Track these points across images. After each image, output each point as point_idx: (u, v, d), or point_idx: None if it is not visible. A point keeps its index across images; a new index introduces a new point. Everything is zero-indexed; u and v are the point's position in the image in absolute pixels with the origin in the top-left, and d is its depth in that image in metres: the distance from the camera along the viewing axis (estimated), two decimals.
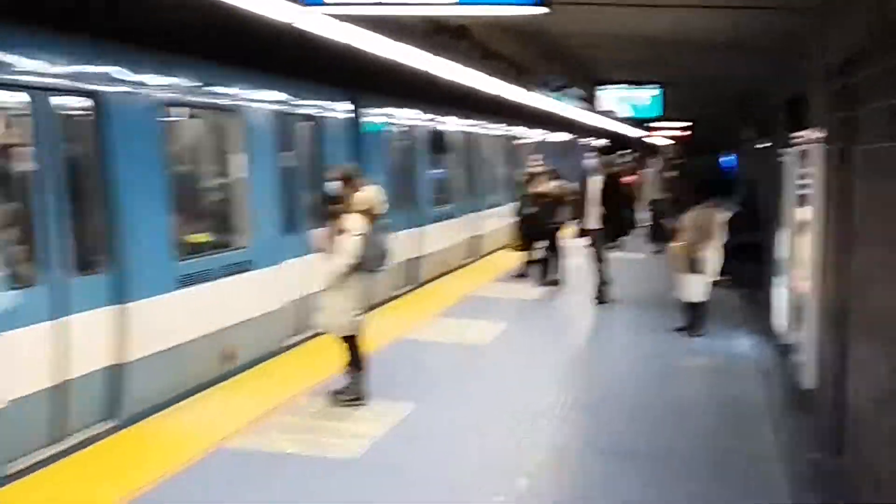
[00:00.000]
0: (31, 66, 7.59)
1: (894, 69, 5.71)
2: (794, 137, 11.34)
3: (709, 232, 12.23)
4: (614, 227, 22.28)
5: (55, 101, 7.72)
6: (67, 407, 7.66)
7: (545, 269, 16.25)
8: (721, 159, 32.54)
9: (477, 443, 7.86)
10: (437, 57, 11.33)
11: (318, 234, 9.04)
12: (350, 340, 8.73)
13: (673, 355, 11.34)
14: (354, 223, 8.53)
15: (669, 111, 21.22)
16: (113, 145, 8.22)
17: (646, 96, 18.71)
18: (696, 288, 12.26)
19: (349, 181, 8.81)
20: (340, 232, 8.57)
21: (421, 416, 8.42)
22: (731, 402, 9.52)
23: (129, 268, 8.34)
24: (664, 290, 14.13)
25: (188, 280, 9.31)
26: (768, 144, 17.30)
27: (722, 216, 12.61)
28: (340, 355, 8.75)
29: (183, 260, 9.37)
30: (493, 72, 13.92)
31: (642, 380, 10.33)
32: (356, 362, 8.75)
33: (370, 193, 8.75)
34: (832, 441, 7.67)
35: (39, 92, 7.54)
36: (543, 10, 6.76)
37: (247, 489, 6.66)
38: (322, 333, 9.31)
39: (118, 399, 8.22)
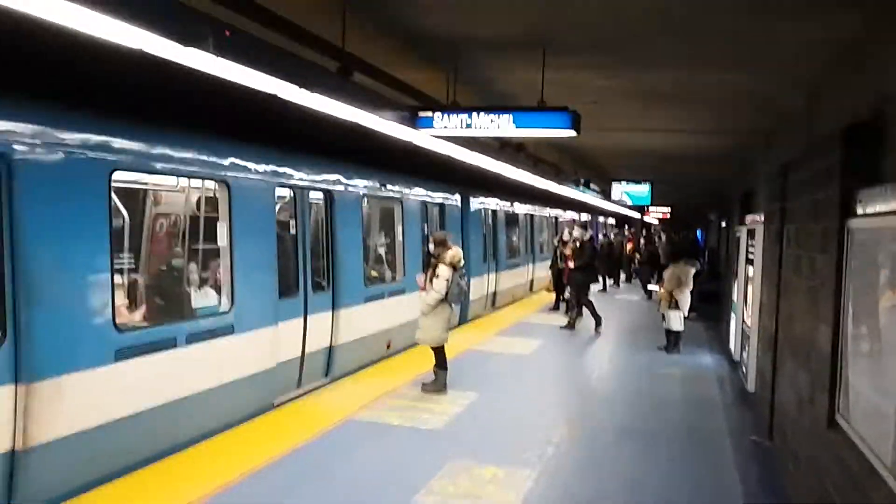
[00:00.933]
0: (295, 175, 8.55)
1: (812, 177, 5.79)
2: (744, 219, 11.30)
3: (683, 281, 12.27)
4: (613, 277, 22.49)
5: (308, 193, 8.85)
6: (304, 369, 8.60)
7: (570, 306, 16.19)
8: (693, 233, 32.21)
9: (519, 420, 7.90)
10: (506, 164, 11.69)
11: (419, 277, 9.23)
12: (438, 350, 8.88)
13: (658, 366, 11.25)
14: (444, 271, 8.72)
15: (657, 199, 21.21)
16: (334, 219, 9.31)
17: (641, 189, 18.72)
18: (675, 320, 12.26)
19: (441, 243, 9.00)
20: (434, 276, 8.77)
21: (482, 402, 8.48)
22: (697, 399, 9.41)
23: (339, 290, 9.30)
24: (650, 322, 14.06)
25: (369, 298, 10.10)
26: (726, 224, 17.15)
27: (692, 270, 12.64)
28: (431, 360, 8.90)
29: (367, 286, 10.18)
30: (541, 173, 14.19)
31: (637, 381, 10.26)
32: (441, 365, 8.88)
33: (454, 251, 8.92)
34: (766, 428, 7.61)
35: (299, 189, 8.62)
36: (573, 132, 6.94)
37: (367, 448, 6.80)
38: (418, 345, 9.45)
39: (330, 367, 9.14)
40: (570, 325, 14.24)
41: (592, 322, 14.26)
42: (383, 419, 7.62)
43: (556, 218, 25.31)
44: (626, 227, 34.61)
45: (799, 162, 6.51)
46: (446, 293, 8.69)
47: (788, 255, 6.86)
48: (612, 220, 39.41)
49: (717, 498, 6.08)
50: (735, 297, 11.98)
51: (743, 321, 10.70)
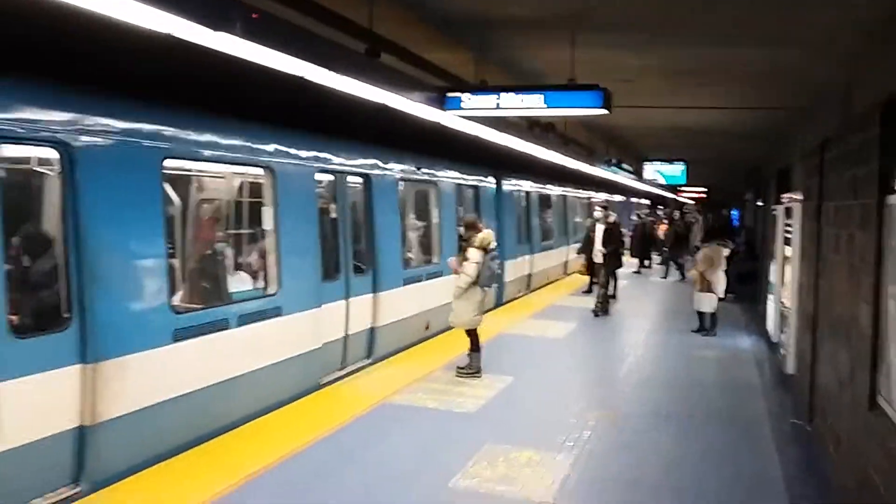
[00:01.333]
0: (335, 160, 8.72)
1: (850, 153, 5.64)
2: (781, 197, 11.10)
3: (715, 262, 12.06)
4: (642, 260, 22.21)
5: (347, 178, 8.97)
6: (348, 349, 8.77)
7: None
8: (728, 213, 31.80)
9: (555, 404, 7.85)
10: (537, 145, 11.57)
11: (451, 260, 9.21)
12: (471, 333, 8.85)
13: (694, 349, 11.11)
14: (474, 254, 8.67)
15: (691, 179, 20.88)
16: (373, 203, 9.37)
17: (675, 169, 18.44)
18: (706, 302, 12.07)
19: (471, 226, 8.95)
20: (465, 259, 8.73)
21: (517, 385, 8.45)
22: (735, 381, 9.29)
23: (379, 273, 9.40)
24: (685, 304, 13.85)
25: (408, 280, 10.20)
26: (763, 203, 16.88)
27: (724, 251, 12.41)
28: (464, 343, 8.88)
29: (405, 269, 10.29)
30: (572, 153, 14.03)
31: (673, 364, 10.16)
32: (474, 348, 8.86)
33: (484, 234, 8.87)
34: (805, 410, 7.49)
35: (339, 174, 8.76)
36: (605, 111, 6.83)
37: (403, 431, 6.83)
38: (451, 328, 9.43)
39: (372, 347, 9.28)
40: (604, 311, 13.87)
41: (616, 306, 14.17)
42: (419, 402, 7.63)
43: (590, 198, 25.11)
44: (659, 208, 34.16)
45: (837, 138, 6.36)
46: (477, 276, 8.65)
47: (827, 234, 6.72)
48: (645, 201, 39.00)
49: (757, 481, 5.99)
50: (773, 278, 11.80)
51: (781, 302, 10.54)
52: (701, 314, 12.20)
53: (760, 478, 6.06)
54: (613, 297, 15.59)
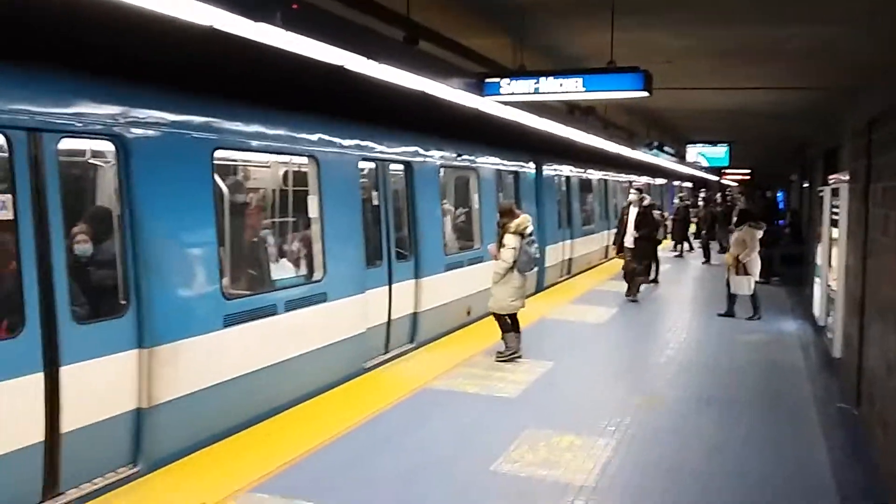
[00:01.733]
0: (377, 148, 8.83)
1: None
2: (828, 179, 10.89)
3: (749, 245, 11.87)
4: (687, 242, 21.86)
5: (388, 165, 9.12)
6: (391, 334, 8.94)
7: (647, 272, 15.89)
8: (772, 195, 31.22)
9: (596, 389, 7.87)
10: (577, 129, 11.52)
11: (490, 247, 9.23)
12: (511, 317, 8.88)
13: (738, 333, 10.98)
14: (510, 240, 8.69)
15: (735, 161, 20.56)
16: (414, 189, 9.48)
17: (718, 151, 18.18)
18: (747, 285, 11.87)
19: (507, 212, 8.96)
20: (502, 245, 8.75)
21: (558, 371, 8.46)
22: (780, 365, 9.17)
23: (421, 259, 9.51)
24: (718, 294, 13.65)
25: (449, 266, 10.27)
26: (808, 184, 16.58)
27: (758, 233, 12.12)
28: (502, 327, 8.91)
29: (447, 255, 10.34)
30: (613, 136, 13.92)
31: (716, 348, 10.06)
32: (514, 329, 8.88)
33: (520, 219, 8.86)
34: (853, 394, 7.38)
35: (381, 161, 8.94)
36: (645, 93, 6.77)
37: (444, 415, 6.90)
38: (490, 314, 9.45)
39: (415, 332, 9.42)
40: (632, 295, 13.48)
41: (658, 290, 13.99)
42: (459, 387, 7.70)
43: (630, 182, 24.89)
44: (701, 190, 33.66)
45: (885, 118, 6.22)
46: (514, 261, 8.66)
47: (875, 215, 6.59)
48: (688, 184, 38.49)
49: (803, 466, 5.93)
50: (819, 260, 11.61)
51: (828, 285, 10.37)
52: (731, 298, 12.03)
53: (805, 463, 6.00)
54: (655, 281, 15.45)
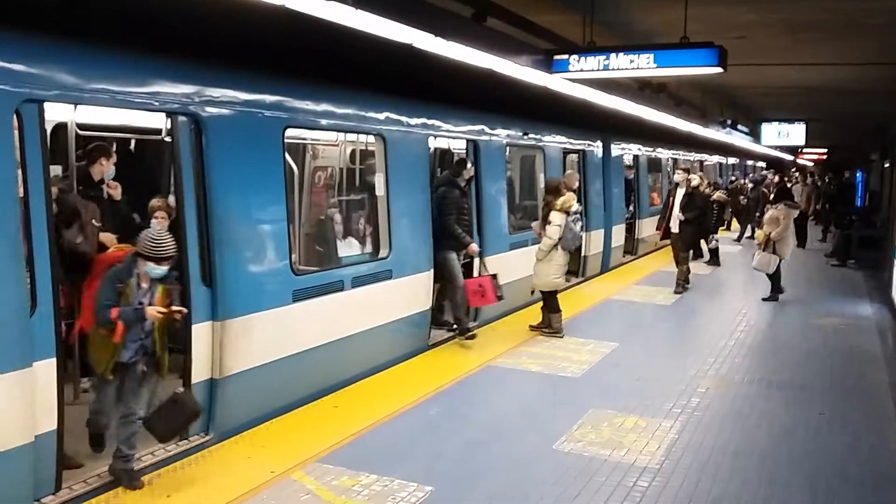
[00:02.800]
0: (443, 126, 8.90)
1: None
2: None
3: (783, 223, 11.47)
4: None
5: (461, 143, 9.33)
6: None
7: (713, 253, 15.53)
8: (850, 176, 30.12)
9: (661, 371, 7.74)
10: (647, 107, 11.30)
11: (534, 225, 9.20)
12: (553, 294, 8.85)
13: (811, 316, 10.66)
14: (556, 217, 8.63)
15: (811, 140, 19.90)
16: (480, 168, 9.35)
17: (794, 129, 17.61)
18: (767, 262, 11.47)
19: (553, 190, 8.87)
20: (547, 223, 8.69)
21: (622, 352, 8.36)
22: (854, 351, 8.88)
23: (486, 238, 9.42)
24: (797, 270, 13.24)
25: (514, 245, 10.22)
26: (889, 164, 15.94)
27: (793, 212, 11.79)
28: (568, 307, 8.84)
29: (511, 234, 10.26)
30: (684, 114, 13.60)
31: (787, 332, 9.80)
32: (555, 308, 8.89)
33: (566, 196, 8.78)
34: None
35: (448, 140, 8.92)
36: (719, 69, 6.61)
37: (507, 393, 6.96)
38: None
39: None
40: (682, 288, 12.28)
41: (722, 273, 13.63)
42: (522, 365, 7.70)
43: (702, 162, 24.31)
44: (775, 170, 32.60)
45: None
46: (559, 239, 8.60)
47: None
48: (762, 163, 37.41)
49: (876, 455, 5.75)
50: None
51: None
52: (771, 278, 11.68)
53: (878, 451, 5.81)
54: (716, 262, 15.08)
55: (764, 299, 11.59)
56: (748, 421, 6.40)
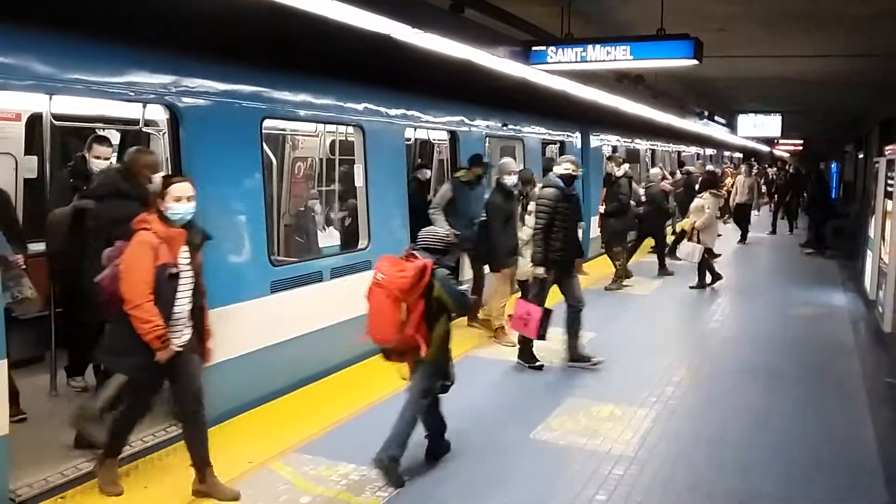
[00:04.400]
0: (423, 117, 8.85)
1: None
2: (883, 149, 10.54)
3: (706, 212, 11.55)
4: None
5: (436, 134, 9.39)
6: None
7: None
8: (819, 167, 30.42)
9: (638, 360, 7.79)
10: (625, 98, 11.30)
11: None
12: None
13: (786, 306, 10.77)
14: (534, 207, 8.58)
15: (787, 131, 20.05)
16: (459, 159, 9.31)
17: (770, 121, 17.71)
18: (691, 252, 11.56)
19: (528, 181, 8.80)
20: (527, 213, 8.51)
21: (599, 341, 8.32)
22: (827, 339, 8.98)
23: None
24: (777, 263, 13.37)
25: None
26: (863, 155, 16.09)
27: (718, 201, 12.03)
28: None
29: None
30: (661, 106, 13.63)
31: (762, 321, 9.88)
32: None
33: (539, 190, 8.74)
34: None
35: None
36: (695, 62, 6.63)
37: (486, 381, 6.97)
38: None
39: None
40: (616, 284, 11.68)
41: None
42: (503, 356, 7.71)
43: (679, 153, 24.43)
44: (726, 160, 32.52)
45: None
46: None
47: None
48: (738, 154, 37.64)
49: (848, 441, 5.82)
50: (872, 233, 11.29)
51: (880, 258, 10.09)
52: (701, 268, 11.76)
53: (851, 438, 5.88)
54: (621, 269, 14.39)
55: (691, 287, 11.72)
56: (723, 409, 6.45)
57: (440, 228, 5.54)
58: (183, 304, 4.41)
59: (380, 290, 4.83)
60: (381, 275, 4.84)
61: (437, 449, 5.24)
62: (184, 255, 4.40)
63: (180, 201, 4.36)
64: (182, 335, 4.43)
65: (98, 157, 5.71)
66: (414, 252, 4.99)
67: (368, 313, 4.92)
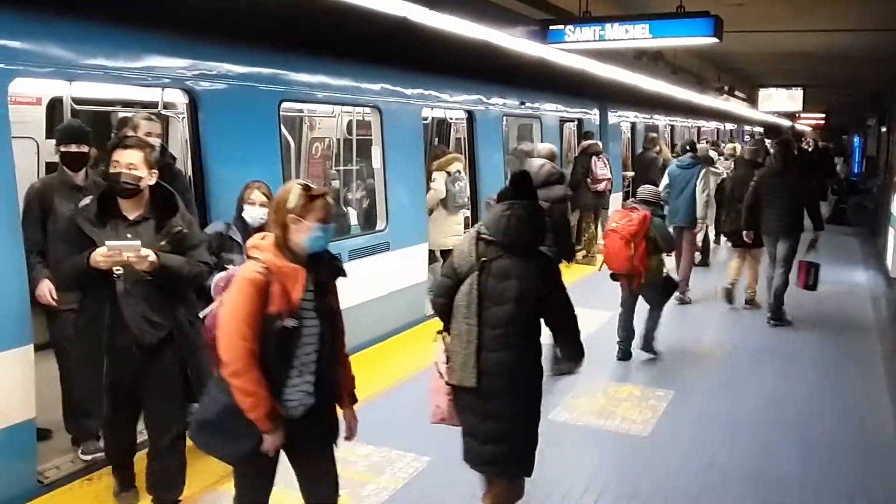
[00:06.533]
0: (441, 97, 8.87)
1: None
2: None
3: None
4: None
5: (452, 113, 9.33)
6: None
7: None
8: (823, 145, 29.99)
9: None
10: (643, 75, 11.19)
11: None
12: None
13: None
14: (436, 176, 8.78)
15: (809, 105, 19.76)
16: (476, 138, 9.36)
17: (792, 95, 17.46)
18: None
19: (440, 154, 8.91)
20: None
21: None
22: (847, 319, 8.92)
23: (481, 208, 9.06)
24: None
25: None
26: (887, 129, 15.86)
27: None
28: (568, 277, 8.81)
29: None
30: (681, 82, 13.48)
31: None
32: None
33: (446, 158, 8.85)
34: None
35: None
36: (715, 39, 6.54)
37: None
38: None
39: None
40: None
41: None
42: None
43: (699, 128, 24.17)
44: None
45: None
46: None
47: None
48: (759, 129, 37.20)
49: (866, 424, 5.79)
50: (894, 209, 11.17)
51: None
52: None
53: (869, 420, 5.86)
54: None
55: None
56: (740, 390, 6.45)
57: (654, 187, 7.28)
58: (306, 361, 3.20)
59: (615, 234, 6.63)
60: (615, 223, 6.68)
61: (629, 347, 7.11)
62: (307, 299, 3.16)
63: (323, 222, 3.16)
64: (300, 405, 3.22)
65: (150, 134, 5.49)
66: (635, 206, 6.82)
67: (604, 251, 7.00)
